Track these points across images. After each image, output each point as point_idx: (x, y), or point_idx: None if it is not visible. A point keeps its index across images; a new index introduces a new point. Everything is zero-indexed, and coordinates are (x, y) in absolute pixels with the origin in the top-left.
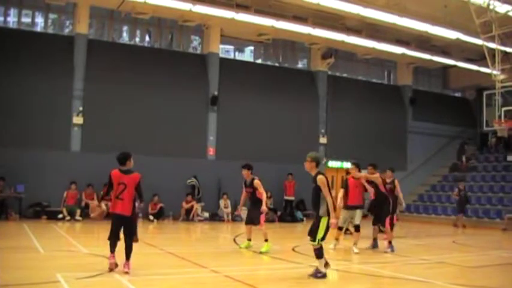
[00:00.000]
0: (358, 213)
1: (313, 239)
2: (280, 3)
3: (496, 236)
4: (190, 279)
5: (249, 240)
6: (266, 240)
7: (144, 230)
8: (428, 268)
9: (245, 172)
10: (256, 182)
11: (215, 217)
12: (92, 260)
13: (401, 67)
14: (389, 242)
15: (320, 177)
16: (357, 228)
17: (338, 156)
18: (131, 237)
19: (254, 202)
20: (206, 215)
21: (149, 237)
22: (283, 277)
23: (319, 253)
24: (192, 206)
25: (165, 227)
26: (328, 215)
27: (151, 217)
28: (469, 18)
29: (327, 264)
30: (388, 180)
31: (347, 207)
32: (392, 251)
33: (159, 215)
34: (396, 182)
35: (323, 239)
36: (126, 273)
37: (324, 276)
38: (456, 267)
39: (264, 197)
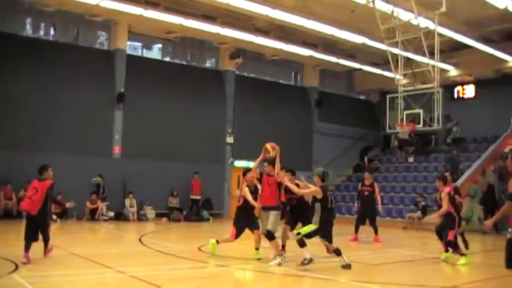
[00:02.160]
0: (271, 215)
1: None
2: (190, 2)
3: (397, 235)
4: (94, 280)
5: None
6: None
7: None
8: (332, 266)
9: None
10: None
11: (120, 216)
12: None
13: (308, 69)
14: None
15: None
16: (268, 235)
17: (244, 156)
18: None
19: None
20: (111, 214)
21: (52, 237)
22: (188, 276)
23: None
24: (97, 206)
25: (68, 227)
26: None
27: (54, 217)
28: (374, 24)
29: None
30: (367, 183)
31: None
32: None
33: (63, 215)
34: (375, 185)
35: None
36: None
37: (310, 261)
38: (359, 265)
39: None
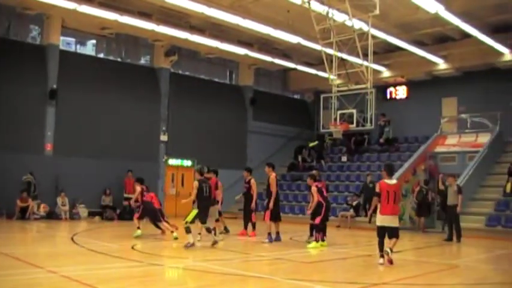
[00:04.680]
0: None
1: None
2: None
3: (331, 233)
4: (24, 281)
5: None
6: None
7: None
8: (267, 264)
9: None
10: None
11: (52, 215)
12: None
13: (244, 68)
14: (269, 234)
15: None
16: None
17: (178, 154)
18: None
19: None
20: (43, 213)
21: None
22: (122, 276)
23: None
24: (28, 204)
25: None
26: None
27: None
28: (309, 25)
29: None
30: (246, 180)
31: None
32: (270, 241)
33: None
34: (252, 182)
35: (191, 222)
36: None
37: (192, 245)
38: (293, 263)
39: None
